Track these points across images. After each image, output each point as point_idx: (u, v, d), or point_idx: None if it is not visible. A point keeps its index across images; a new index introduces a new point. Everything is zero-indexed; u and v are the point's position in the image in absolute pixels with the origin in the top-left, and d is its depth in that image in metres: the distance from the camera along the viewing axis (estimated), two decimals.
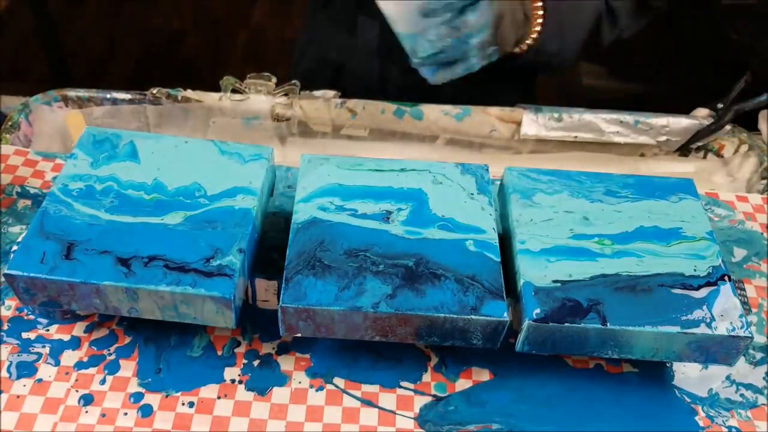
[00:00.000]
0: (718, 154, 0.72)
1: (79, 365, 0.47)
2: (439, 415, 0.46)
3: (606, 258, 0.46)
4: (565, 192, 0.50)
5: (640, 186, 0.51)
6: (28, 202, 0.57)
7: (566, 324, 0.42)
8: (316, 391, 0.47)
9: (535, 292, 0.43)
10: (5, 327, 0.48)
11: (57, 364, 0.46)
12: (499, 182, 0.53)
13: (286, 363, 0.48)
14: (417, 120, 0.71)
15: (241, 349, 0.48)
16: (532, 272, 0.44)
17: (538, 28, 0.66)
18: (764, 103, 0.67)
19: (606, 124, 0.72)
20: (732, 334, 0.42)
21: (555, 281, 0.44)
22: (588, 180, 0.51)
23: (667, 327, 0.42)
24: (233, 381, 0.47)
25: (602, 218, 0.48)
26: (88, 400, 0.45)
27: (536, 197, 0.49)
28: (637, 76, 1.52)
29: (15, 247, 0.45)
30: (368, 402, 0.46)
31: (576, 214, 0.48)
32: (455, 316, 0.42)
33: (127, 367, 0.47)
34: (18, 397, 0.45)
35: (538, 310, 0.42)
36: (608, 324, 0.42)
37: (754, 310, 0.53)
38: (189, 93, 0.69)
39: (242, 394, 0.46)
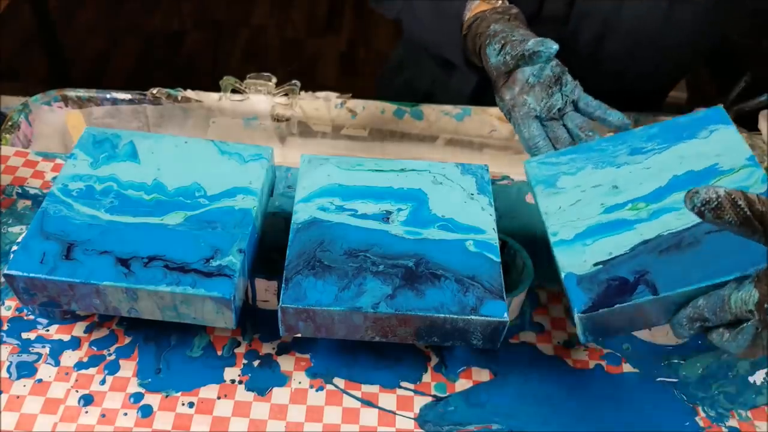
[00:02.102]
0: None
1: (79, 365, 0.46)
2: (439, 416, 0.46)
3: (643, 222, 0.43)
4: (589, 166, 0.47)
5: (665, 132, 0.47)
6: (28, 203, 0.57)
7: (617, 306, 0.40)
8: (316, 391, 0.46)
9: (579, 282, 0.41)
10: (5, 327, 0.48)
11: (57, 364, 0.46)
12: (501, 182, 0.52)
13: (286, 363, 0.48)
14: (417, 120, 0.71)
15: (241, 349, 0.48)
16: (571, 261, 0.42)
17: None
18: (764, 103, 0.67)
19: None
20: None
21: (596, 264, 0.42)
22: (609, 145, 0.48)
23: (724, 275, 0.38)
24: (233, 381, 0.47)
25: (632, 181, 0.45)
26: (88, 400, 0.45)
27: (560, 182, 0.47)
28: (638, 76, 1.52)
29: (15, 247, 0.45)
30: (368, 402, 0.46)
31: (603, 186, 0.46)
32: (455, 316, 0.42)
33: (127, 367, 0.47)
34: (18, 397, 0.44)
35: (584, 301, 0.41)
36: (660, 292, 0.39)
37: None
38: (189, 93, 0.69)
39: (242, 394, 0.46)
